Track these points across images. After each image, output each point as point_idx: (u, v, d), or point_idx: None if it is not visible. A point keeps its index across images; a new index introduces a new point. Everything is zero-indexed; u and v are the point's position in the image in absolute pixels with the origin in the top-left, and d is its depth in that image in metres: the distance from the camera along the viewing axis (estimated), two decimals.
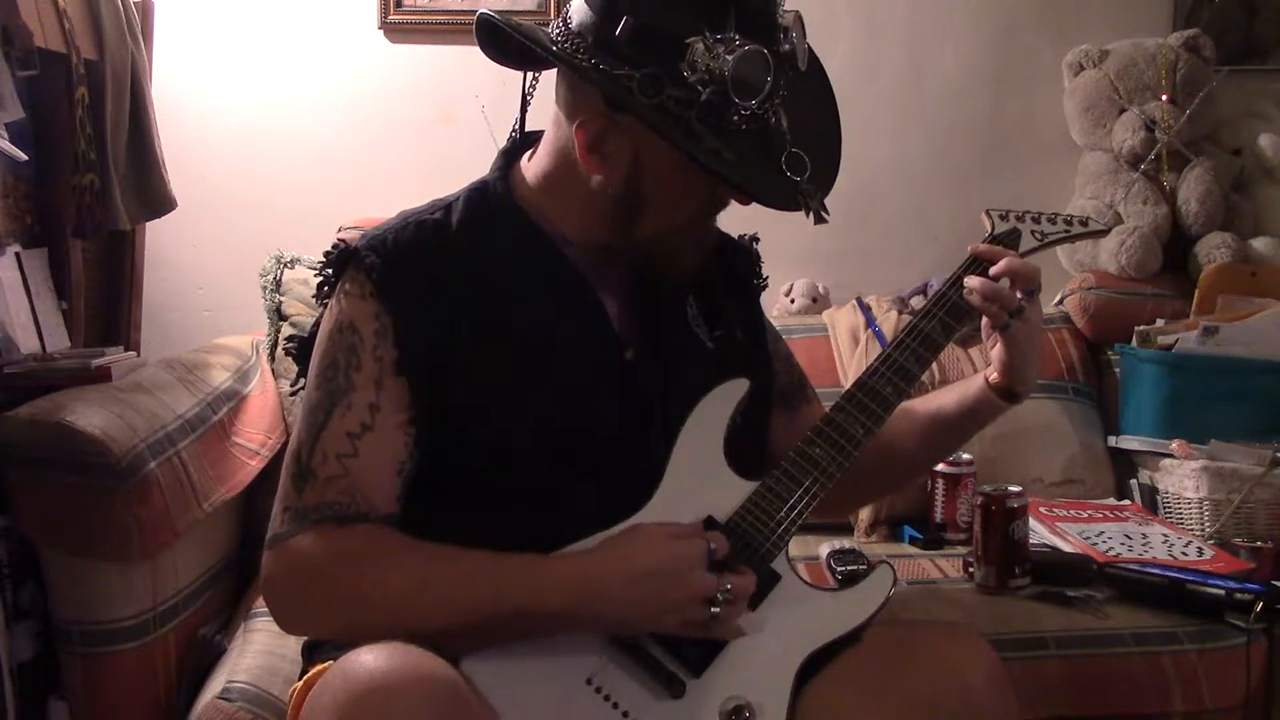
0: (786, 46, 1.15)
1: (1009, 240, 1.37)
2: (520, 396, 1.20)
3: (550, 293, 1.24)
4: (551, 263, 1.25)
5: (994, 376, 1.33)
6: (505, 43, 1.23)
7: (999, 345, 1.31)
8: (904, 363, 1.28)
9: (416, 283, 1.19)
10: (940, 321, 1.30)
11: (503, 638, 1.12)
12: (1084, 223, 1.43)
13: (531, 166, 1.27)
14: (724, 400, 1.25)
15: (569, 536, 1.16)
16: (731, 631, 1.16)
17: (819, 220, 1.16)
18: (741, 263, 1.45)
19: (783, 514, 1.20)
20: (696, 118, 1.11)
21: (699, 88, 1.10)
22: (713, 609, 1.11)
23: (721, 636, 1.15)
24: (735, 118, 1.12)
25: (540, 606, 1.11)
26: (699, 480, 1.22)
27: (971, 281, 1.28)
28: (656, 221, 1.21)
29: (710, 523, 1.19)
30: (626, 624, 1.13)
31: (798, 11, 1.18)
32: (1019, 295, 1.28)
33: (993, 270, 1.29)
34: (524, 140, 1.31)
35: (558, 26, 1.18)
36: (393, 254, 1.20)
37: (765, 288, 1.49)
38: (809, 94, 1.23)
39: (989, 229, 1.39)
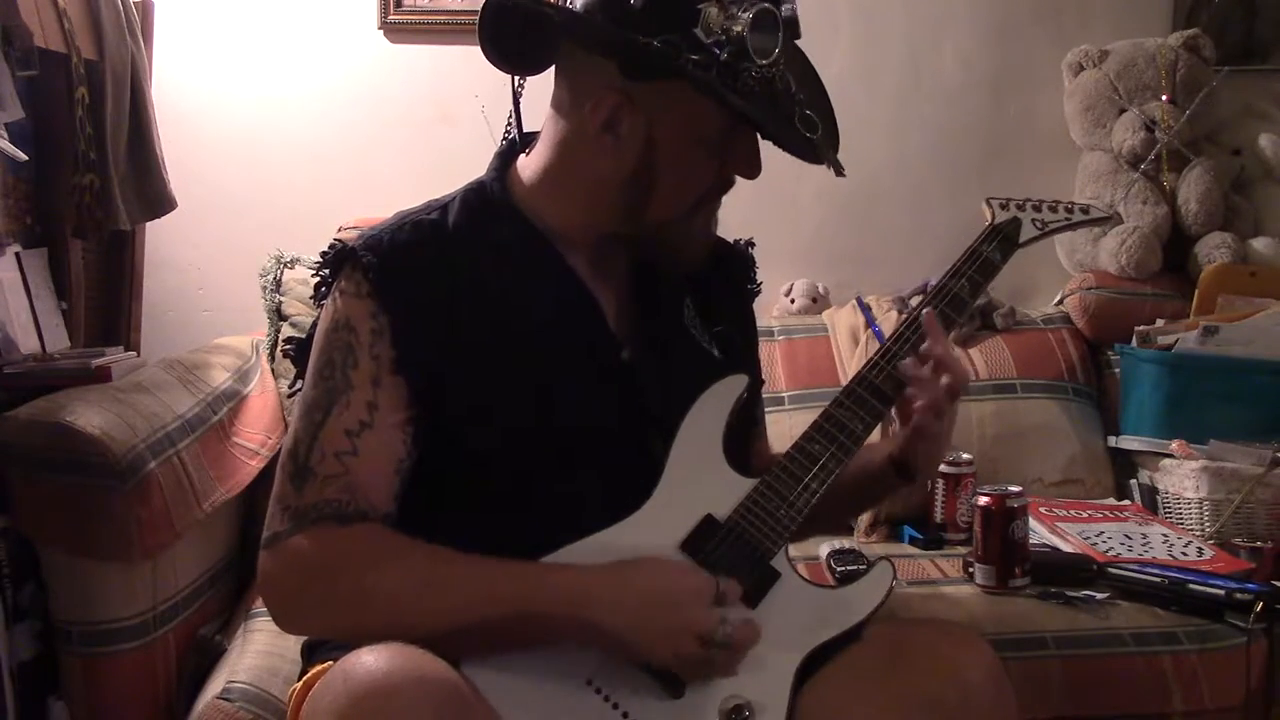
0: (788, 9, 1.18)
1: (1010, 229, 1.37)
2: (516, 396, 1.19)
3: (547, 293, 1.24)
4: (548, 263, 1.25)
5: (897, 453, 1.31)
6: (505, 41, 1.21)
7: (909, 435, 1.27)
8: (904, 357, 1.27)
9: (413, 282, 1.19)
10: (940, 315, 1.29)
11: (502, 642, 1.11)
12: (1085, 210, 1.43)
13: (529, 164, 1.27)
14: (722, 397, 1.25)
15: (567, 536, 1.16)
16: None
17: (839, 173, 1.23)
18: (738, 267, 1.45)
19: (783, 511, 1.19)
20: (717, 79, 1.13)
21: (716, 50, 1.12)
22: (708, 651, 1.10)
23: (715, 679, 1.14)
24: (749, 78, 1.14)
25: (537, 611, 1.10)
26: (698, 477, 1.22)
27: (907, 368, 1.23)
28: (665, 203, 1.21)
29: (710, 520, 1.19)
30: (619, 642, 1.11)
31: None
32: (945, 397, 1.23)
33: (924, 348, 1.24)
34: (521, 141, 1.30)
35: (561, 13, 1.18)
36: (389, 253, 1.20)
37: (759, 293, 1.48)
38: (799, 60, 1.27)
39: (989, 217, 1.38)
